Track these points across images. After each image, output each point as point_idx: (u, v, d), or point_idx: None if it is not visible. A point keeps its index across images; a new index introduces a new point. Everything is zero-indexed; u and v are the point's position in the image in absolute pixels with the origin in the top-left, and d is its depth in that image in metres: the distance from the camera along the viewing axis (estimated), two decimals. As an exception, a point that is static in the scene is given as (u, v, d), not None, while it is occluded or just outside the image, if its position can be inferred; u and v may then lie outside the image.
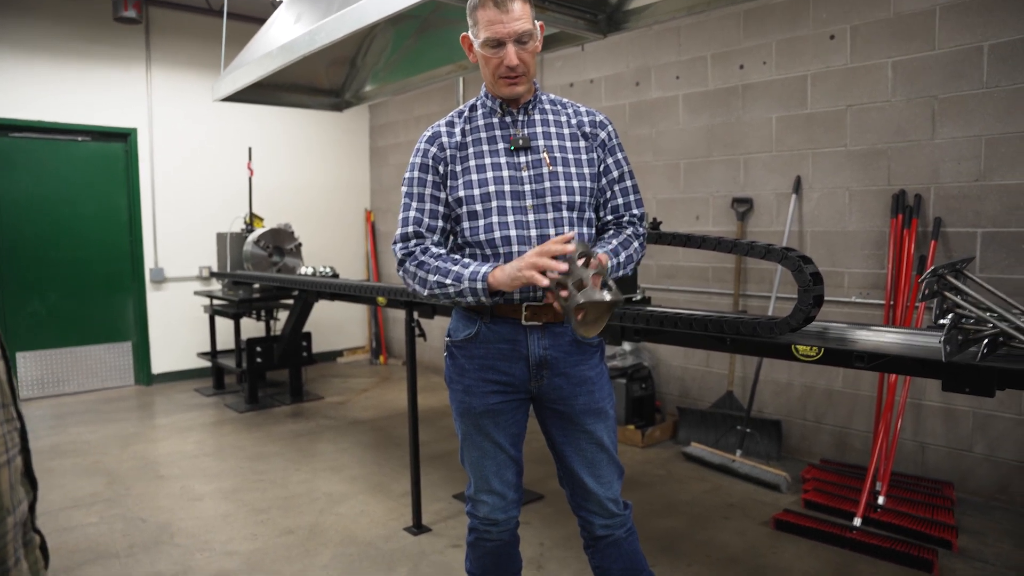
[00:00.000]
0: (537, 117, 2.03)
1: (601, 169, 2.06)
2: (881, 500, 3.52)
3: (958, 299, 1.77)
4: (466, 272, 1.88)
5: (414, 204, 2.02)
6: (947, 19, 3.67)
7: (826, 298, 4.19)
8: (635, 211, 2.08)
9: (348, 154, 8.16)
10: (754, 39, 4.49)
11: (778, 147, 4.41)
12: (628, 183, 2.09)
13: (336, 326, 7.98)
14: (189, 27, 6.83)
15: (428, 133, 2.06)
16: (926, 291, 1.76)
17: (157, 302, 6.89)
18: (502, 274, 1.82)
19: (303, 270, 5.90)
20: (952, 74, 3.67)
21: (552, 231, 1.94)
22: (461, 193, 1.97)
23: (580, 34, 3.45)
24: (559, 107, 2.09)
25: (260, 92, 4.85)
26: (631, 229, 2.07)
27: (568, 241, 1.75)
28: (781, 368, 4.46)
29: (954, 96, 3.67)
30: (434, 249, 1.98)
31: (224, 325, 6.79)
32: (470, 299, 1.88)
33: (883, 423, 3.62)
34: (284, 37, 4.01)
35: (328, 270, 5.67)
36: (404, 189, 2.05)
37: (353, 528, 3.53)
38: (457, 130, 2.03)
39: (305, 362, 6.29)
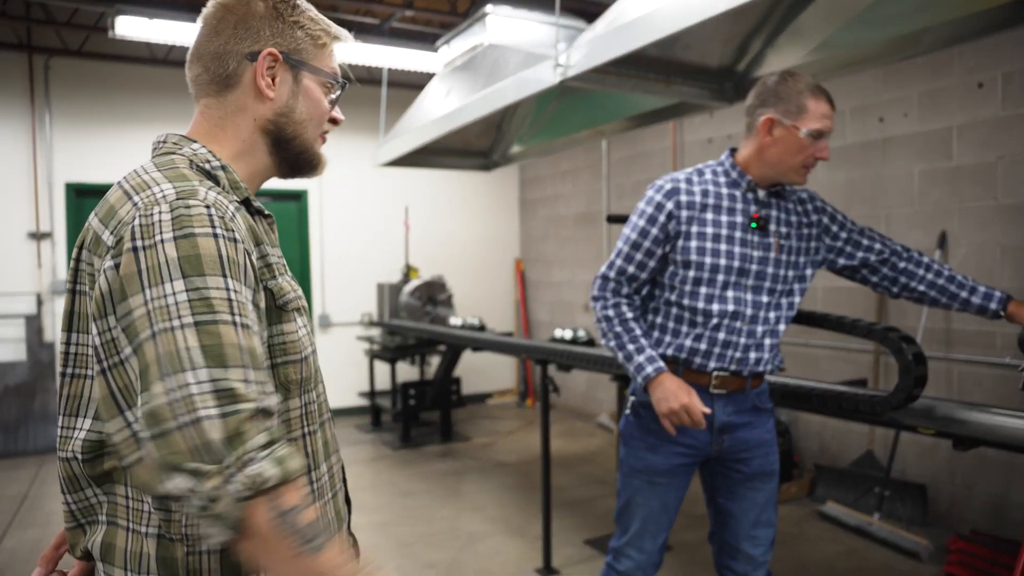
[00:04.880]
0: (774, 200, 2.09)
1: (837, 230, 2.16)
2: (1038, 581, 3.30)
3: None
4: (637, 358, 2.03)
5: (626, 250, 2.09)
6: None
7: (975, 359, 4.04)
8: (889, 241, 2.16)
9: (499, 206, 8.62)
10: (894, 91, 4.42)
11: (921, 201, 4.30)
12: (861, 226, 2.18)
13: (485, 369, 8.37)
14: (354, 96, 7.52)
15: (667, 186, 2.07)
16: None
17: (324, 345, 7.53)
18: (657, 386, 1.99)
19: (454, 320, 6.32)
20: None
21: (762, 313, 2.05)
22: (693, 257, 2.02)
23: (706, 104, 3.58)
24: (787, 191, 2.13)
25: (416, 157, 5.30)
26: (911, 252, 2.14)
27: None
28: (928, 429, 4.28)
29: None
30: (625, 308, 2.08)
31: (382, 368, 7.35)
32: (630, 376, 2.09)
33: (1037, 494, 3.42)
34: (436, 111, 4.43)
35: (476, 321, 6.04)
36: (626, 231, 2.11)
37: (488, 566, 3.78)
38: (697, 189, 2.05)
39: (455, 405, 6.70)
